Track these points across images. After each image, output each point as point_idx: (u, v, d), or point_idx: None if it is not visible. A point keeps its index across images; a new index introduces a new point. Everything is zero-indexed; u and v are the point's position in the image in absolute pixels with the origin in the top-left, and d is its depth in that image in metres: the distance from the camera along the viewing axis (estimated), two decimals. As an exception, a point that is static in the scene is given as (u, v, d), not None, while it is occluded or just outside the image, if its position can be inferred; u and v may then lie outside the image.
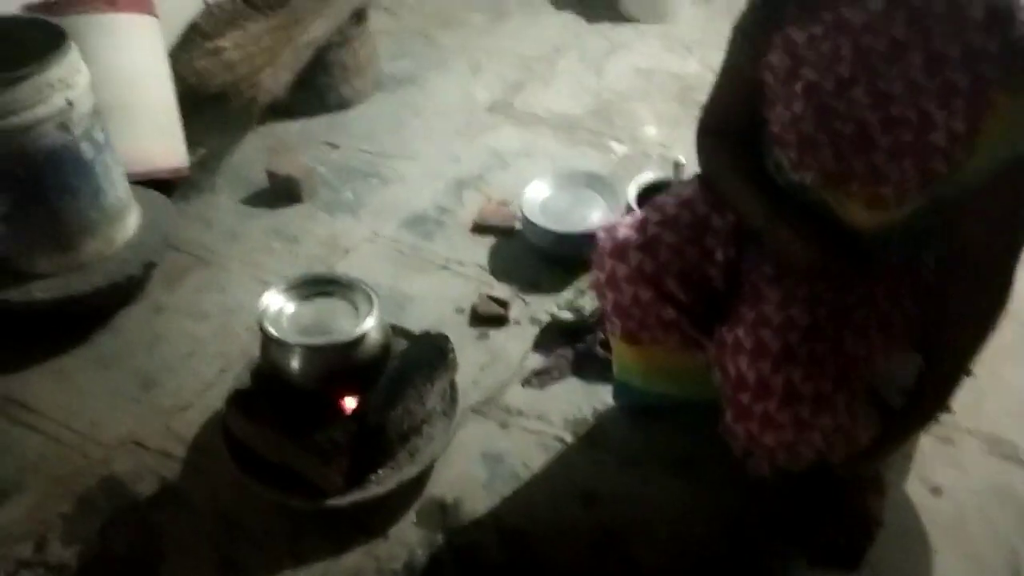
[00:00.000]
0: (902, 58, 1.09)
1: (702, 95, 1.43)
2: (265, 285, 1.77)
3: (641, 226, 1.40)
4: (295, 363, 1.51)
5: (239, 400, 1.55)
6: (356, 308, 1.58)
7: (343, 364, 1.53)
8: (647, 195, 2.05)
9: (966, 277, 1.21)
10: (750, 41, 1.25)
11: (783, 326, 1.24)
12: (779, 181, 1.30)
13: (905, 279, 1.30)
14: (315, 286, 1.63)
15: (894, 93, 1.10)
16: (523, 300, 1.99)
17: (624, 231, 1.41)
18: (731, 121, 1.35)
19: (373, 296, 1.58)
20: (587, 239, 1.98)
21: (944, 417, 1.49)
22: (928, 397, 1.31)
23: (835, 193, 1.22)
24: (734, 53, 1.30)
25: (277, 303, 1.58)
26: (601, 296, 1.46)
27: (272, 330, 1.52)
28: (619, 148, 2.52)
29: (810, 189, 1.24)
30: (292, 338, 1.52)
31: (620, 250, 1.39)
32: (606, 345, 1.74)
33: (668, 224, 1.39)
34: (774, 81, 1.22)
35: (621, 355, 1.56)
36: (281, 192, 2.32)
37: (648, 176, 2.16)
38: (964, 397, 1.39)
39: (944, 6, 1.06)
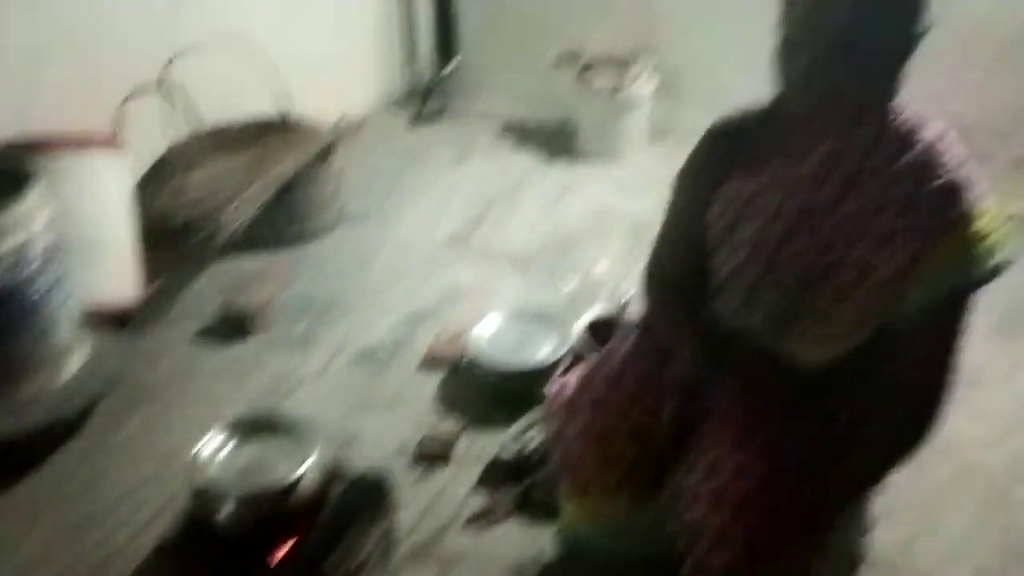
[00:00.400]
0: (840, 209, 1.16)
1: (654, 233, 1.45)
2: (210, 424, 1.75)
3: (588, 383, 1.41)
4: (224, 510, 1.48)
5: (165, 550, 1.50)
6: (297, 449, 1.56)
7: (275, 511, 1.49)
8: (597, 330, 2.09)
9: (893, 405, 1.22)
10: (694, 192, 1.31)
11: (739, 473, 1.22)
12: (724, 326, 1.32)
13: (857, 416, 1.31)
14: (257, 425, 1.61)
15: (834, 241, 1.16)
16: (470, 437, 1.98)
17: (571, 389, 1.42)
18: (677, 267, 1.39)
19: (315, 436, 1.57)
20: (535, 375, 2.01)
21: (874, 561, 1.47)
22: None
23: (779, 335, 1.25)
24: (678, 202, 1.36)
25: (214, 444, 1.56)
26: (551, 448, 1.45)
27: (198, 476, 1.49)
28: (571, 284, 2.57)
29: (755, 333, 1.27)
30: (219, 484, 1.49)
31: (569, 408, 1.40)
32: (553, 484, 1.71)
33: (615, 384, 1.39)
34: (719, 231, 1.27)
35: (569, 507, 1.52)
36: (234, 326, 2.34)
37: (597, 312, 2.20)
38: (895, 538, 1.38)
39: (876, 160, 1.14)
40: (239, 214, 2.54)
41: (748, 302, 1.25)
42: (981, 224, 1.12)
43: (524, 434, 1.91)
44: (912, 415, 1.22)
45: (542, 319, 2.25)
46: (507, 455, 1.85)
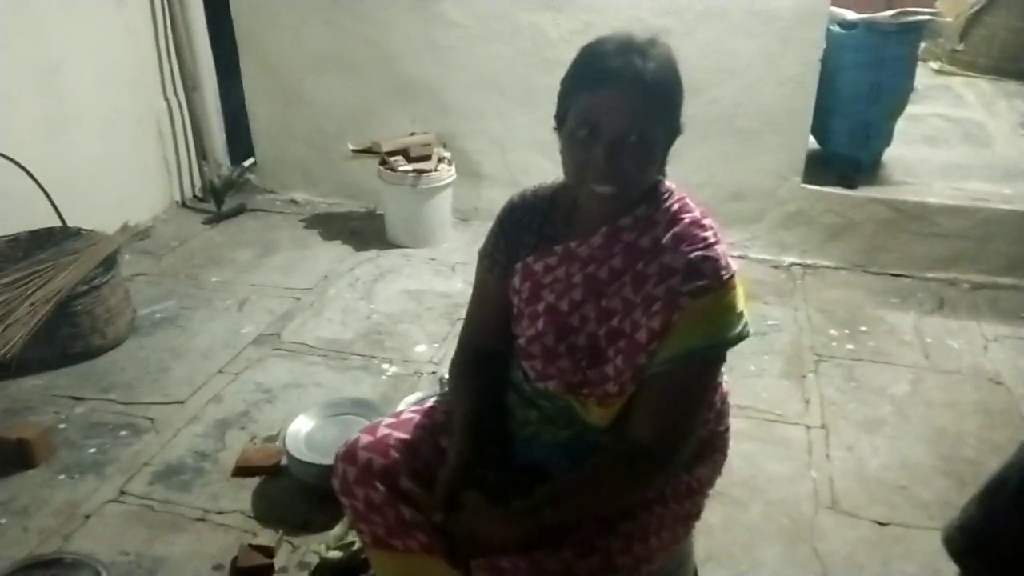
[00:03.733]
0: (619, 280, 1.27)
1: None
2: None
3: (372, 429, 1.41)
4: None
5: None
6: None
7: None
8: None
9: (623, 452, 1.27)
10: (494, 268, 1.39)
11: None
12: (527, 388, 1.37)
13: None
14: (32, 572, 1.42)
15: (615, 309, 1.27)
16: (291, 544, 1.85)
17: (355, 436, 1.41)
18: (485, 335, 1.44)
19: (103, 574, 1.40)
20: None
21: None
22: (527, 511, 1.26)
23: (574, 397, 1.32)
24: (481, 275, 1.43)
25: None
26: (344, 507, 1.40)
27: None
28: (390, 369, 2.53)
29: (554, 395, 1.33)
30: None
31: (350, 454, 1.38)
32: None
33: (400, 425, 1.41)
34: (519, 302, 1.35)
35: (379, 565, 1.46)
36: (10, 458, 2.07)
37: (416, 396, 2.16)
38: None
39: (646, 240, 1.26)
40: (9, 335, 2.29)
41: (547, 366, 1.32)
42: (728, 296, 1.24)
43: (350, 531, 1.81)
44: (632, 468, 1.26)
45: (360, 410, 2.17)
46: (333, 557, 1.74)
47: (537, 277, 1.33)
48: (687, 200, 1.30)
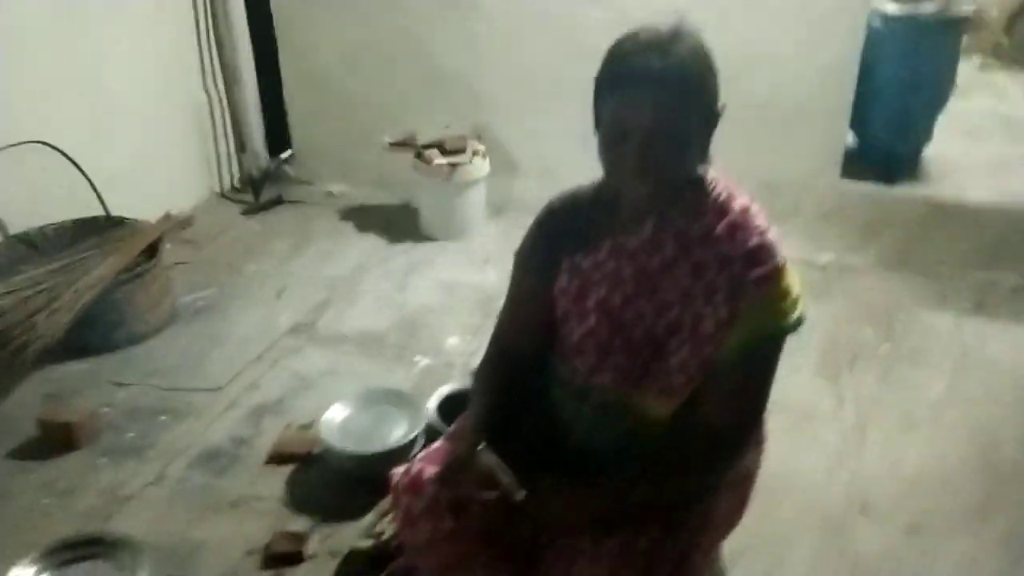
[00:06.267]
0: (673, 271, 1.27)
1: (501, 304, 1.48)
2: (27, 550, 1.57)
3: (431, 459, 1.39)
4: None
5: None
6: (121, 572, 1.42)
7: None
8: (449, 406, 2.07)
9: (698, 437, 1.28)
10: (535, 269, 1.38)
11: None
12: (577, 383, 1.36)
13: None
14: (75, 550, 1.47)
15: (671, 300, 1.27)
16: (323, 531, 1.88)
17: (419, 465, 1.39)
18: (516, 337, 1.44)
19: (140, 556, 1.44)
20: (389, 458, 1.95)
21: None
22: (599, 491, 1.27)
23: (629, 390, 1.32)
24: (518, 278, 1.43)
25: None
26: (402, 531, 1.41)
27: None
28: (423, 361, 2.55)
29: (607, 389, 1.34)
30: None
31: (413, 486, 1.37)
32: (411, 570, 1.64)
33: (432, 458, 1.39)
34: (567, 301, 1.35)
35: None
36: (56, 441, 2.14)
37: (448, 388, 2.18)
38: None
39: (697, 228, 1.26)
40: (54, 321, 2.36)
41: (601, 361, 1.32)
42: (787, 281, 1.25)
43: (381, 521, 1.84)
44: (711, 453, 1.29)
45: (394, 400, 2.20)
46: (364, 546, 1.77)
47: (586, 274, 1.33)
48: (733, 187, 1.30)
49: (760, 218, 1.28)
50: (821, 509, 1.99)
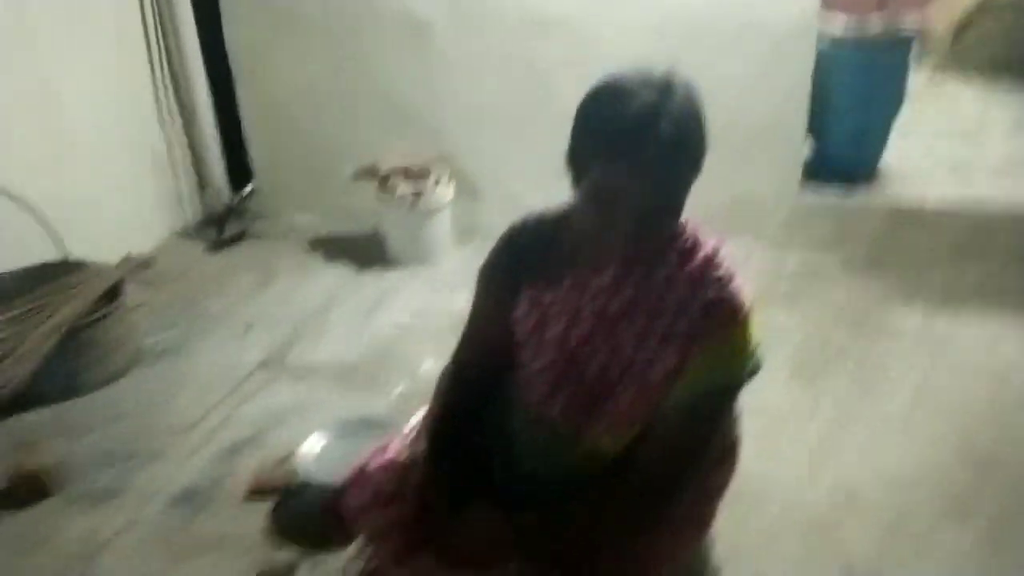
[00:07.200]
0: (631, 315, 1.26)
1: None
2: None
3: (384, 456, 1.45)
4: None
5: None
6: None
7: None
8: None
9: (631, 482, 1.28)
10: (495, 293, 1.37)
11: None
12: (529, 414, 1.36)
13: None
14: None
15: (627, 342, 1.26)
16: (310, 563, 1.84)
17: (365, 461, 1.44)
18: (478, 354, 1.43)
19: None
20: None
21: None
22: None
23: (578, 424, 1.32)
24: (480, 295, 1.41)
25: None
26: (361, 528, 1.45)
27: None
28: (398, 387, 2.52)
29: (556, 422, 1.33)
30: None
31: (360, 479, 1.43)
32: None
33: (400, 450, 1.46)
34: (524, 331, 1.34)
35: None
36: (26, 492, 2.07)
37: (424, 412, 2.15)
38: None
39: (660, 272, 1.25)
40: (17, 370, 2.29)
41: (552, 394, 1.32)
42: (745, 333, 1.23)
43: (366, 548, 1.80)
44: (640, 500, 1.28)
45: (370, 427, 2.16)
46: (352, 573, 1.73)
47: (545, 308, 1.31)
48: (700, 231, 1.28)
49: (724, 266, 1.24)
50: (805, 509, 1.99)
